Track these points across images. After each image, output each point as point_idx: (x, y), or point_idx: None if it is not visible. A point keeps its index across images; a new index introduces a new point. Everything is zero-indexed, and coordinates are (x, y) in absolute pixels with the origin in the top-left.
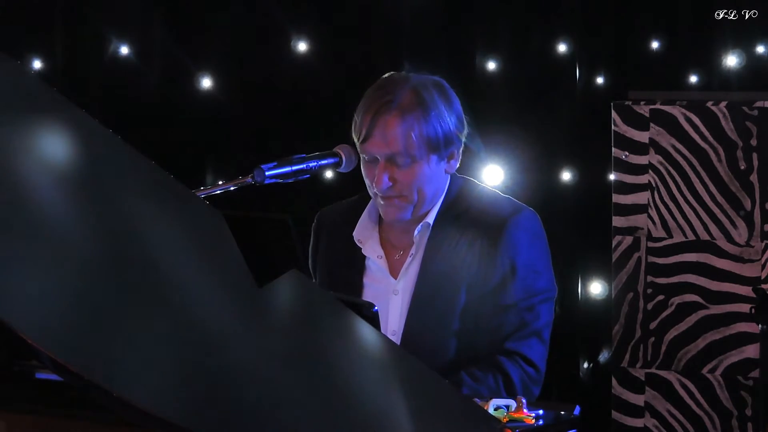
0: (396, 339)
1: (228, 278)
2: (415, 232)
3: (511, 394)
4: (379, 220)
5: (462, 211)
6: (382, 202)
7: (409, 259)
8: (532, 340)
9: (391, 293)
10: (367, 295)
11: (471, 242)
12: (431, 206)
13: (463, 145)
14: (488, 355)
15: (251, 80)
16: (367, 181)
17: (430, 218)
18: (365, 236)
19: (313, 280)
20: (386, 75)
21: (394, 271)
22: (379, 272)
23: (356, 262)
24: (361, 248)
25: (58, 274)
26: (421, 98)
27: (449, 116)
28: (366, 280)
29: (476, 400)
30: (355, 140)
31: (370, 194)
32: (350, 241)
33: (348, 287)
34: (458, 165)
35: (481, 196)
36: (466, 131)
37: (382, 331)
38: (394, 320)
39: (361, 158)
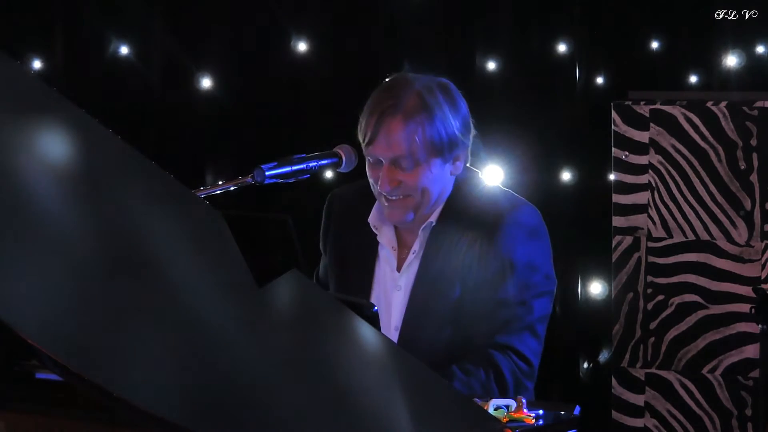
0: (397, 335)
1: (228, 278)
2: (420, 230)
3: (502, 388)
4: None
5: (463, 208)
6: (386, 204)
7: (411, 256)
8: (524, 334)
9: (394, 288)
10: (376, 284)
11: (469, 238)
12: (436, 207)
13: (470, 146)
14: (480, 349)
15: (251, 80)
16: (371, 181)
17: (434, 217)
18: (381, 222)
19: (323, 260)
20: (391, 77)
21: (399, 266)
22: (388, 263)
23: (369, 250)
24: (375, 234)
25: (58, 274)
26: (425, 102)
27: (454, 119)
28: (377, 268)
29: (476, 400)
30: (360, 141)
31: (375, 195)
32: (363, 225)
33: (359, 272)
34: (467, 161)
35: (482, 192)
36: (473, 132)
37: (386, 327)
38: (396, 316)
39: (366, 159)
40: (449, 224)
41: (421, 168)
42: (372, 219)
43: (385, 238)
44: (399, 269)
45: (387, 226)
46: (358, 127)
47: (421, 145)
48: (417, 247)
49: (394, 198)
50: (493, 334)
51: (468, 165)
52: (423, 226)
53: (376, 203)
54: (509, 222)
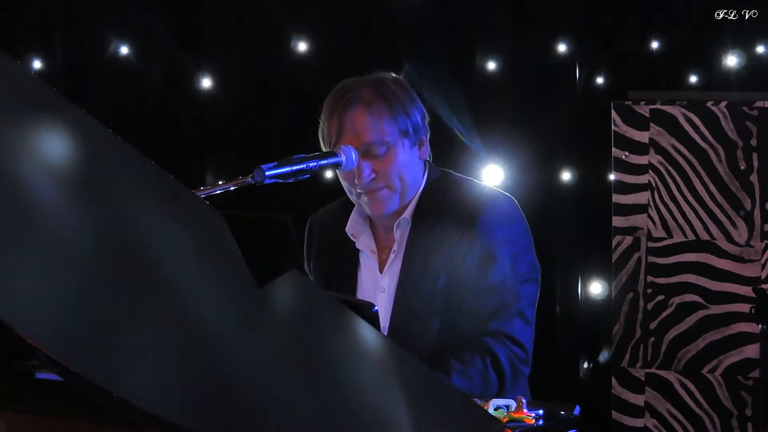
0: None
1: (228, 278)
2: (395, 227)
3: (499, 374)
4: (370, 219)
5: (438, 202)
6: (366, 199)
7: (392, 256)
8: (516, 320)
9: (378, 290)
10: (360, 291)
11: (449, 231)
12: (413, 195)
13: (429, 134)
14: (474, 338)
15: (251, 80)
16: (345, 184)
17: (408, 213)
18: (358, 230)
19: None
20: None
21: (381, 268)
22: (369, 268)
23: (350, 258)
24: (354, 243)
25: (57, 273)
26: (380, 91)
27: (411, 104)
28: (359, 275)
29: (476, 400)
30: (326, 148)
31: (353, 200)
32: (343, 238)
33: (343, 283)
34: (429, 154)
35: (457, 186)
36: (428, 120)
37: None
38: (383, 317)
39: None
40: (425, 219)
41: (392, 152)
42: (349, 228)
43: (363, 244)
44: (381, 271)
45: (365, 232)
46: (320, 136)
47: (388, 128)
48: (396, 246)
49: (373, 190)
50: (485, 322)
51: (443, 169)
52: (397, 221)
53: (353, 211)
54: (488, 211)
